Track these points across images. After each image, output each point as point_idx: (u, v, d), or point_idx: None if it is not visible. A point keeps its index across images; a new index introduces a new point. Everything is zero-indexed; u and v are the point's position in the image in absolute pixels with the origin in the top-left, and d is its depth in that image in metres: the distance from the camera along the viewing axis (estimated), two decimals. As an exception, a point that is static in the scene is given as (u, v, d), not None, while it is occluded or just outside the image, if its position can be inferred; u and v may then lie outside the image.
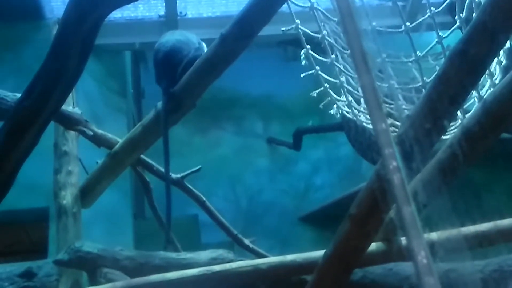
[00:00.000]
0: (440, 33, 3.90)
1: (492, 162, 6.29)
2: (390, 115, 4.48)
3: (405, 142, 2.05)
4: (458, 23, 3.87)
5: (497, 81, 3.97)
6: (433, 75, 4.01)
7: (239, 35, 3.28)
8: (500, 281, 3.93)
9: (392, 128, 4.36)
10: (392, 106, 4.30)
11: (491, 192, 7.18)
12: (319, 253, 3.76)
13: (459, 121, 3.87)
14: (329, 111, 4.42)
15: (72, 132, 4.52)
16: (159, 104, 3.86)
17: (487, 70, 3.87)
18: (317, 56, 4.09)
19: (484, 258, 4.03)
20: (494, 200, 7.07)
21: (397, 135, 2.12)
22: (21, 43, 6.55)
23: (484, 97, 2.56)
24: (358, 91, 4.38)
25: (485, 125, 2.31)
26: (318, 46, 4.27)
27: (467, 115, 3.77)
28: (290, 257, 3.95)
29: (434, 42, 3.93)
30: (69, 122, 4.09)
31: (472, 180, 6.82)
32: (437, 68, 4.72)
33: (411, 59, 4.13)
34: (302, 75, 4.23)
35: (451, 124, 3.93)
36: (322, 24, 4.03)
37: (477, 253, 3.91)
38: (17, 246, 6.75)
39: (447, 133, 3.85)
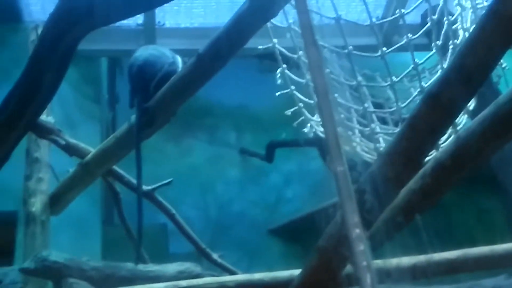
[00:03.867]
0: (416, 59, 3.95)
1: (463, 185, 6.35)
2: (364, 136, 4.52)
3: (377, 179, 2.08)
4: (434, 50, 3.92)
5: (470, 108, 4.02)
6: (406, 103, 4.07)
7: (216, 56, 3.31)
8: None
9: (366, 150, 4.40)
10: (366, 128, 4.33)
11: (462, 212, 7.26)
12: (287, 273, 3.78)
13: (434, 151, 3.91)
14: (303, 130, 4.45)
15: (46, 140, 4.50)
16: (133, 118, 3.85)
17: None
18: (293, 76, 4.12)
19: (454, 283, 4.08)
20: (464, 220, 7.15)
21: (369, 171, 2.14)
22: (-3, 45, 6.48)
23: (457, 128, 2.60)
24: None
25: (458, 160, 2.34)
26: (294, 63, 4.29)
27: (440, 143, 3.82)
28: (257, 276, 3.95)
29: (410, 68, 3.98)
30: (42, 131, 4.07)
31: (443, 202, 6.87)
32: (412, 90, 4.80)
33: (386, 84, 4.17)
34: (277, 94, 4.25)
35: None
36: (299, 45, 4.06)
37: (447, 278, 3.95)
38: (-17, 247, 6.66)
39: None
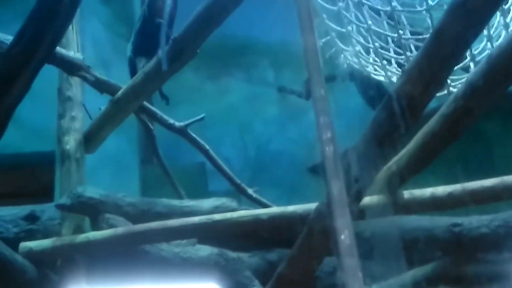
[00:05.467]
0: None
1: (504, 115, 6.20)
2: (400, 66, 4.40)
3: (402, 97, 2.00)
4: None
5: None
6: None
7: (241, -18, 3.22)
8: (505, 236, 3.92)
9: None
10: (402, 57, 4.22)
11: (503, 145, 7.09)
12: (319, 205, 3.74)
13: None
14: (335, 61, 4.34)
15: (76, 77, 4.48)
16: (160, 52, 3.81)
17: (503, 21, 3.77)
18: (324, 4, 3.99)
19: (493, 212, 4.00)
20: (505, 153, 6.99)
21: (393, 90, 2.05)
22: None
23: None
24: (367, 42, 4.29)
25: (490, 80, 2.24)
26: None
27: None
28: (291, 208, 3.93)
29: (448, -9, 3.82)
30: (71, 68, 4.04)
31: (484, 133, 6.72)
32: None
33: (422, 8, 4.02)
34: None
35: (457, 78, 3.86)
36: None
37: (487, 208, 3.87)
38: (26, 188, 6.78)
39: (453, 87, 3.78)
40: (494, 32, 3.79)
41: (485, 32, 3.54)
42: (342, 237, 0.96)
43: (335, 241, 0.98)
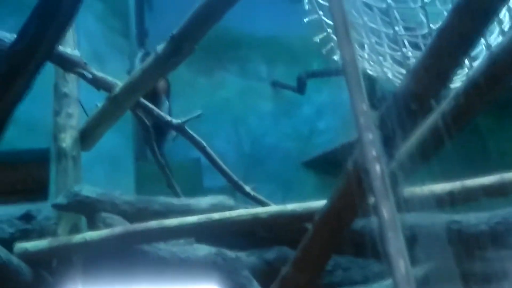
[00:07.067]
0: (448, -21, 3.79)
1: (498, 110, 6.20)
2: (395, 61, 4.40)
3: (407, 97, 1.99)
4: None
5: (506, 28, 3.87)
6: (438, 25, 3.94)
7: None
8: (504, 233, 3.91)
9: (398, 76, 4.29)
10: (398, 53, 4.22)
11: (497, 140, 7.11)
12: (320, 203, 3.71)
13: (466, 69, 3.80)
14: (333, 57, 4.34)
15: (72, 74, 4.44)
16: (159, 48, 3.79)
17: (496, 17, 3.77)
18: (320, 1, 3.99)
19: (490, 210, 3.99)
20: (499, 148, 7.01)
21: (396, 89, 2.05)
22: (23, -18, 6.37)
23: (492, 47, 2.48)
24: (362, 36, 4.29)
25: (491, 77, 2.24)
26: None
27: (474, 64, 3.70)
28: (290, 207, 3.90)
29: (442, -12, 3.83)
30: (68, 65, 4.00)
31: (478, 128, 6.74)
32: (445, 13, 4.63)
33: (417, 5, 4.03)
34: (305, 20, 4.13)
35: (458, 72, 3.85)
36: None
37: (484, 205, 3.86)
38: (21, 185, 6.75)
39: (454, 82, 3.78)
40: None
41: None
42: (399, 265, 0.93)
43: (392, 273, 0.94)
